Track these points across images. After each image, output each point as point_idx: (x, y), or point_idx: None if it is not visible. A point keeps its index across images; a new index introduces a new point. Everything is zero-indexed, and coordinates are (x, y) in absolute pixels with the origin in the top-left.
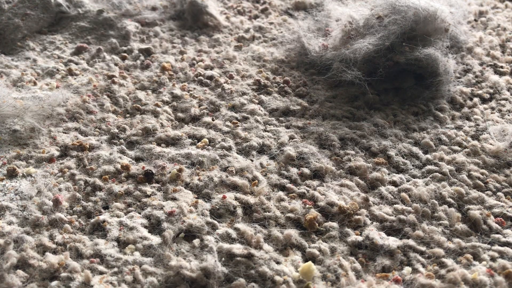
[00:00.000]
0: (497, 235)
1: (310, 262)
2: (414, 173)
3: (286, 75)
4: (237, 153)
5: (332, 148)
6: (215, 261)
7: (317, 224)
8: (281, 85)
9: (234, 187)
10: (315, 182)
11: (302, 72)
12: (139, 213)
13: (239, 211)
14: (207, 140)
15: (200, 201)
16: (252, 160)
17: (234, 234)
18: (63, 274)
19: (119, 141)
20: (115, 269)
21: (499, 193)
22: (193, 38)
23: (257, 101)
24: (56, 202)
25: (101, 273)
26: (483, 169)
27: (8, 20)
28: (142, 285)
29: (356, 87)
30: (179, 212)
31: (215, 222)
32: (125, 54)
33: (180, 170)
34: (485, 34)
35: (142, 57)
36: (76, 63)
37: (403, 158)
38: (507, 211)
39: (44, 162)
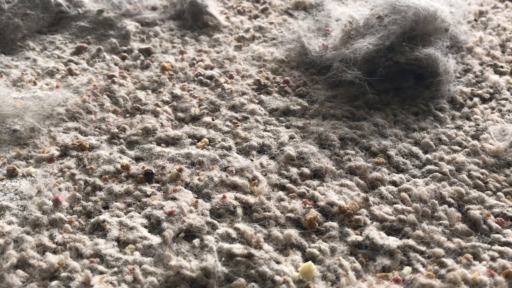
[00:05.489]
0: (497, 235)
1: (310, 262)
2: (414, 173)
3: (286, 75)
4: (237, 153)
5: (332, 148)
6: (215, 261)
7: (317, 224)
8: (281, 85)
9: (234, 187)
10: (315, 182)
11: (302, 72)
12: (139, 213)
13: (239, 211)
14: (207, 140)
15: (200, 201)
16: (252, 160)
17: (234, 234)
18: (63, 274)
19: (119, 141)
20: (115, 269)
21: (499, 193)
22: (193, 38)
23: (257, 101)
24: (56, 202)
25: (101, 273)
26: (483, 169)
27: (8, 20)
28: (142, 285)
29: (356, 87)
30: (179, 212)
31: (215, 222)
32: (125, 54)
33: (180, 170)
34: (485, 34)
35: (142, 57)
36: (76, 63)
37: (403, 158)
38: (507, 211)
39: (44, 162)
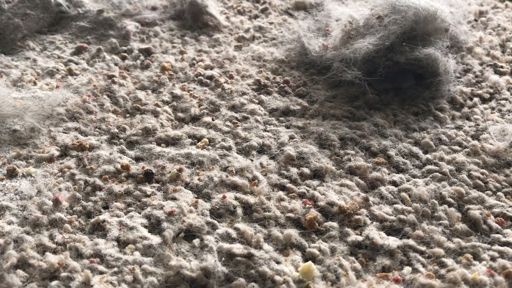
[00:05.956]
0: (497, 235)
1: (310, 262)
2: (414, 173)
3: (286, 75)
4: (237, 153)
5: (332, 148)
6: (215, 261)
7: (317, 224)
8: (281, 85)
9: (234, 187)
10: (315, 182)
11: (302, 72)
12: (139, 213)
13: (239, 211)
14: (207, 140)
15: (200, 201)
16: (252, 160)
17: (234, 234)
18: (63, 274)
19: (119, 141)
20: (115, 269)
21: (499, 193)
22: (193, 38)
23: (257, 101)
24: (56, 202)
25: (101, 273)
26: (483, 169)
27: (8, 20)
28: (142, 285)
29: (356, 87)
30: (179, 212)
31: (215, 222)
32: (125, 54)
33: (180, 170)
34: (485, 34)
35: (142, 57)
36: (76, 63)
37: (403, 158)
38: (507, 211)
39: (44, 162)
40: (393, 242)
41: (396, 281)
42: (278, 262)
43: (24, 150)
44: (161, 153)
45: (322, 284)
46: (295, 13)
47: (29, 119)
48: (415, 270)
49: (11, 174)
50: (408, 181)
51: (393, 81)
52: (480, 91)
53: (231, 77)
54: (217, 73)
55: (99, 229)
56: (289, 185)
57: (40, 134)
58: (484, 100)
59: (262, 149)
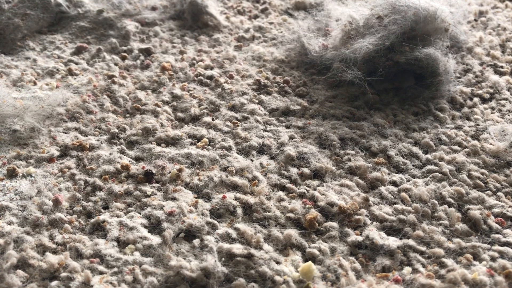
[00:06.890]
0: (497, 235)
1: (310, 262)
2: (414, 173)
3: (286, 75)
4: (237, 153)
5: (332, 148)
6: (215, 261)
7: (317, 224)
8: (281, 85)
9: (234, 187)
10: (315, 182)
11: (302, 72)
12: (139, 213)
13: (239, 211)
14: (207, 140)
15: (200, 201)
16: (252, 160)
17: (234, 234)
18: (63, 274)
19: (119, 141)
20: (115, 269)
21: (499, 193)
22: (193, 38)
23: (257, 101)
24: (56, 202)
25: (101, 273)
26: (483, 169)
27: (8, 20)
28: (142, 285)
29: (356, 87)
30: (179, 212)
31: (215, 222)
32: (125, 54)
33: (180, 170)
34: (485, 34)
35: (142, 57)
36: (76, 63)
37: (403, 158)
38: (507, 211)
39: (44, 162)
40: (393, 242)
41: (396, 281)
42: (278, 262)
43: (24, 150)
44: (161, 153)
45: (322, 284)
46: (295, 13)
47: (29, 119)
48: (415, 270)
49: (11, 174)
50: (408, 181)
51: (393, 81)
52: (480, 91)
53: (231, 77)
54: (217, 73)
55: (99, 229)
56: (289, 185)
57: (40, 134)
58: (484, 100)
59: (262, 149)
